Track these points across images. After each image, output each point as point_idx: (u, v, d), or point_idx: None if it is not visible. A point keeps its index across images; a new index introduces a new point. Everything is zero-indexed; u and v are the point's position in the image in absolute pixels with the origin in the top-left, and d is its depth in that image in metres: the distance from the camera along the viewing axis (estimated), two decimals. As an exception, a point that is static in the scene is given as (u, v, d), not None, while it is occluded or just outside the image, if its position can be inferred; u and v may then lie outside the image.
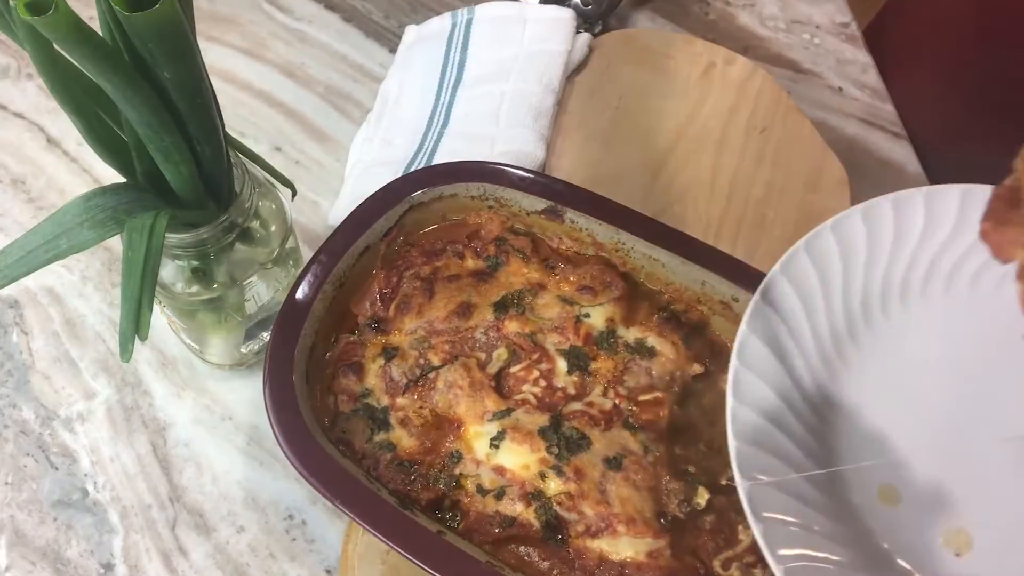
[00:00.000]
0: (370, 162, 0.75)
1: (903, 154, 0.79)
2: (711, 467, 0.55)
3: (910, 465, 0.51)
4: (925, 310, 0.55)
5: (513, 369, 0.57)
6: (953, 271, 0.55)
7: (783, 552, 0.45)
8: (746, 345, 0.51)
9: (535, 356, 0.57)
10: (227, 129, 0.53)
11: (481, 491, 0.53)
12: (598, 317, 0.59)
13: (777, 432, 0.49)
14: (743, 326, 0.51)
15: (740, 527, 0.53)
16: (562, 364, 0.57)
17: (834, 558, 0.46)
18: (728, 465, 0.48)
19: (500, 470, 0.53)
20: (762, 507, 0.46)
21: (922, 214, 0.55)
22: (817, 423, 0.52)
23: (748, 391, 0.50)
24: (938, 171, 0.77)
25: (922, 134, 0.79)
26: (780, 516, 0.46)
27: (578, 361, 0.57)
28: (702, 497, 0.53)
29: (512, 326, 0.58)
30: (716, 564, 0.51)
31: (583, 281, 0.60)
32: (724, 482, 0.54)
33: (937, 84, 0.77)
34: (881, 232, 0.55)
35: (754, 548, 0.52)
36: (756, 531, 0.45)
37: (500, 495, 0.53)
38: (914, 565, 0.48)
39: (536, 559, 0.51)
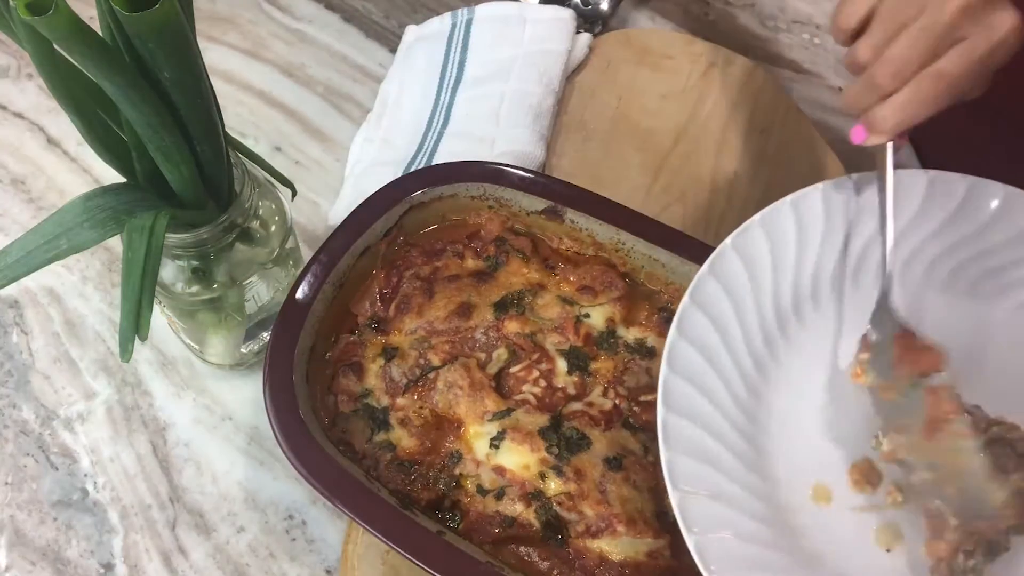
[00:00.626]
0: (370, 162, 0.75)
1: (903, 154, 0.78)
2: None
3: (841, 462, 0.51)
4: (856, 302, 0.53)
5: (513, 369, 0.57)
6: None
7: (717, 567, 0.44)
8: (676, 350, 0.49)
9: (535, 356, 0.57)
10: (227, 129, 0.53)
11: (481, 491, 0.53)
12: (598, 317, 0.59)
13: (709, 439, 0.48)
14: (672, 331, 0.49)
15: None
16: (562, 364, 0.57)
17: (770, 564, 0.46)
18: None
19: (500, 470, 0.53)
20: (695, 518, 0.45)
21: (853, 202, 0.54)
22: (748, 424, 0.51)
23: (678, 399, 0.48)
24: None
25: (922, 134, 0.79)
26: (715, 526, 0.45)
27: (578, 361, 0.57)
28: None
29: (512, 326, 0.58)
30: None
31: (583, 281, 0.60)
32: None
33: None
34: (811, 224, 0.53)
35: None
36: (690, 544, 0.44)
37: (500, 495, 0.53)
38: (846, 563, 0.48)
39: (536, 559, 0.51)
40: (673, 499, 0.45)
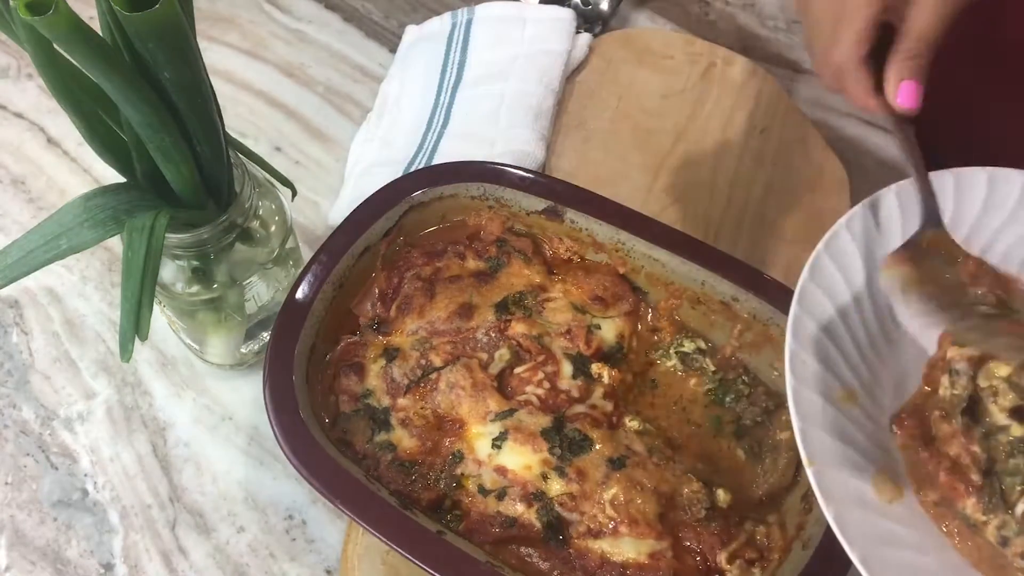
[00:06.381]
0: (370, 162, 0.75)
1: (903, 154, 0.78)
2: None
3: None
4: None
5: (518, 370, 0.57)
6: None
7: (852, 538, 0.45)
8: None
9: (541, 358, 0.57)
10: (227, 129, 0.53)
11: (482, 491, 0.53)
12: (609, 331, 0.59)
13: (848, 423, 0.49)
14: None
15: (740, 523, 0.53)
16: (568, 368, 0.57)
17: (902, 540, 0.48)
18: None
19: (502, 470, 0.53)
20: (830, 489, 0.46)
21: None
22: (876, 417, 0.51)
23: (803, 371, 0.48)
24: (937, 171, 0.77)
25: (922, 134, 0.79)
26: (849, 500, 0.47)
27: (584, 367, 0.57)
28: (724, 500, 0.53)
29: (519, 328, 0.58)
30: (721, 559, 0.51)
31: (596, 291, 0.60)
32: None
33: (936, 84, 0.77)
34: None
35: (752, 543, 0.52)
36: (828, 516, 0.45)
37: (501, 495, 0.52)
38: None
39: (537, 560, 0.51)
40: (809, 472, 0.46)
